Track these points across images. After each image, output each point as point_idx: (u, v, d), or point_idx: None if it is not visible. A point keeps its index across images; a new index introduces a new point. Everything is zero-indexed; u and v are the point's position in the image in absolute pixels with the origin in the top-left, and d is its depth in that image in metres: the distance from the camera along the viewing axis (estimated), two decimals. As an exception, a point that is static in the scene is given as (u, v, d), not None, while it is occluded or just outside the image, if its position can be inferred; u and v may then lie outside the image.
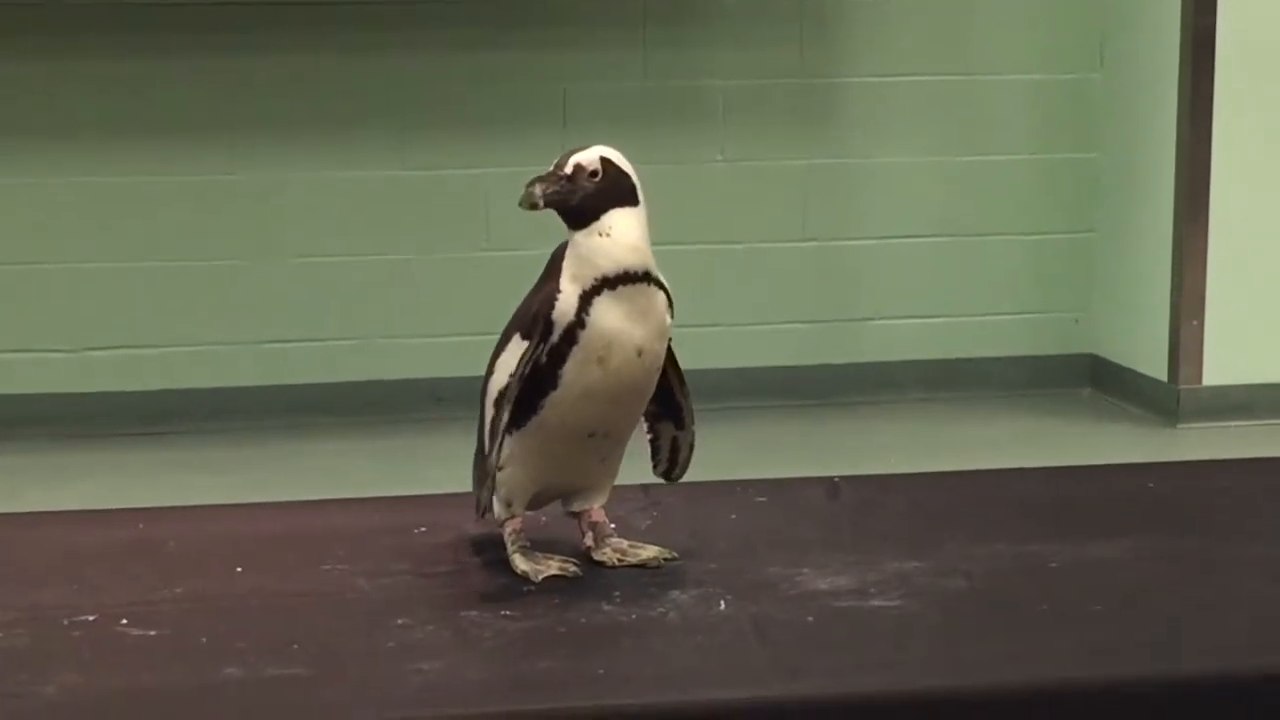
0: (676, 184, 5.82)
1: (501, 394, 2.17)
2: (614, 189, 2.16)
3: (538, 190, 2.14)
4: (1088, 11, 6.00)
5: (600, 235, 2.15)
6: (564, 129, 5.74)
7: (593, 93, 5.81)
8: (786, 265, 5.97)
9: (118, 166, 5.61)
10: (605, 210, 2.15)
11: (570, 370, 2.15)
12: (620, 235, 2.15)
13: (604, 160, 2.16)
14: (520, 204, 2.15)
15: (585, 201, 2.15)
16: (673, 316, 2.19)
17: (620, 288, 2.14)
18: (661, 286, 2.17)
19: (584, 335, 2.14)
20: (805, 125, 5.95)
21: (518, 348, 2.17)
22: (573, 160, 2.16)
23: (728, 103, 5.89)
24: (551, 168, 2.16)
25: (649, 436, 2.29)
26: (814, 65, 5.92)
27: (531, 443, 2.18)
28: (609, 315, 2.14)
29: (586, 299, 2.14)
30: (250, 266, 5.72)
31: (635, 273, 2.15)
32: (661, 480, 2.33)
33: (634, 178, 2.18)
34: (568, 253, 2.17)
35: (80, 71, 5.57)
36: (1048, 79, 6.04)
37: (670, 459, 2.31)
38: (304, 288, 5.74)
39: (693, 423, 2.29)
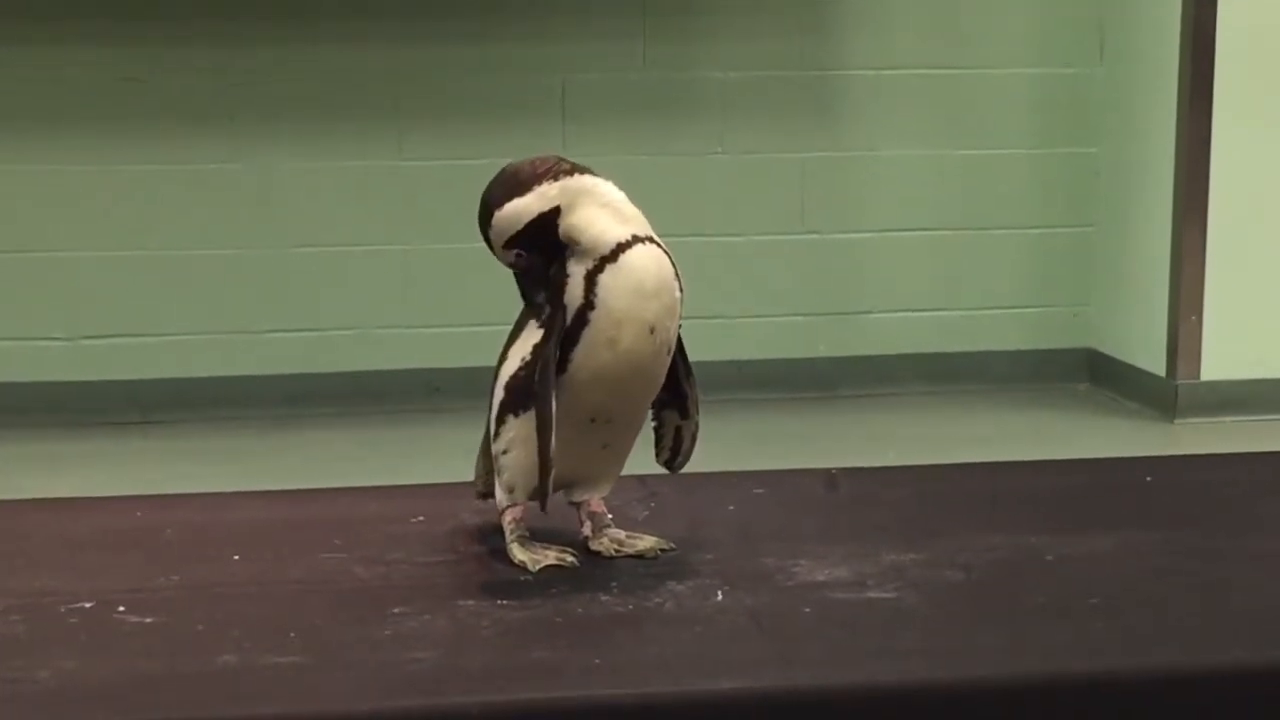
0: (675, 176, 5.82)
1: (516, 380, 2.16)
2: (541, 231, 2.15)
3: (542, 300, 2.16)
4: (1087, 5, 6.00)
5: (573, 238, 2.14)
6: (563, 120, 5.75)
7: (591, 84, 5.81)
8: (785, 258, 5.97)
9: (115, 155, 5.61)
10: (558, 230, 2.14)
11: (580, 353, 2.14)
12: (587, 227, 2.14)
13: (514, 239, 2.16)
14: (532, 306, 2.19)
15: (547, 260, 2.15)
16: (682, 290, 2.18)
17: (620, 258, 2.14)
18: (660, 247, 2.16)
19: (594, 316, 2.13)
20: (805, 118, 5.95)
21: (531, 335, 2.17)
22: (509, 264, 2.18)
23: (727, 95, 5.89)
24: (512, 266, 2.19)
25: (654, 424, 2.28)
26: (813, 58, 5.92)
27: (534, 427, 2.16)
28: (617, 292, 2.13)
29: (591, 278, 2.14)
30: (248, 256, 5.72)
31: (623, 241, 2.14)
32: (660, 470, 2.31)
33: (538, 195, 2.15)
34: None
35: (78, 59, 5.57)
36: (1047, 73, 6.04)
37: (673, 448, 2.29)
38: (302, 277, 5.74)
39: (698, 412, 2.29)
